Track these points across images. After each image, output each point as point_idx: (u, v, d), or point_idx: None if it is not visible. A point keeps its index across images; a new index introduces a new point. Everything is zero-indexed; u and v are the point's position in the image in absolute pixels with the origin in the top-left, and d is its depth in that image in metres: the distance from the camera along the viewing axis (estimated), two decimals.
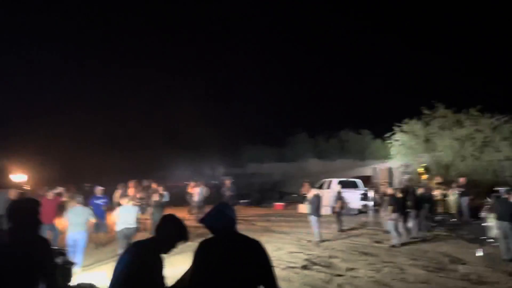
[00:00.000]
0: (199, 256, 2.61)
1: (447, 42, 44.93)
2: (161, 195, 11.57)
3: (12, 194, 9.02)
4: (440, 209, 13.53)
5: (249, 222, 15.03)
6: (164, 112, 38.98)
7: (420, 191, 12.04)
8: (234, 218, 2.85)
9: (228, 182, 15.83)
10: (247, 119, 42.88)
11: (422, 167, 16.20)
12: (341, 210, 12.92)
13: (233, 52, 54.99)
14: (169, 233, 2.91)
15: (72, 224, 7.86)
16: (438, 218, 13.12)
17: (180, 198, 22.28)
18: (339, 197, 13.00)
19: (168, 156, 32.70)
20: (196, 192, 15.40)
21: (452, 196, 13.53)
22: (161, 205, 11.12)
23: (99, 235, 10.32)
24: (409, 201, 11.12)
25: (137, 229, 8.62)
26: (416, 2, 49.18)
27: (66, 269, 4.94)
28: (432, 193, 13.21)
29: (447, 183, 13.99)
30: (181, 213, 18.18)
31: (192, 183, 16.20)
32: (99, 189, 10.98)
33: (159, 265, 2.80)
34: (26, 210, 2.76)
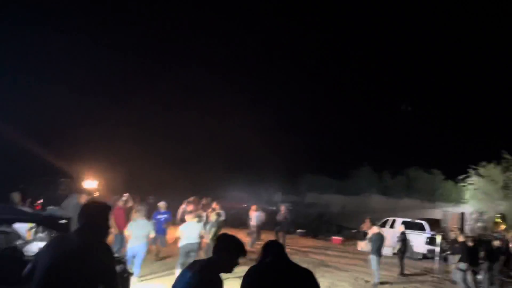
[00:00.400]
0: (248, 282, 2.59)
1: None
2: (219, 214, 11.70)
3: (83, 199, 9.58)
4: None
5: (304, 254, 14.69)
6: (228, 135, 39.93)
7: (495, 243, 11.07)
8: (283, 249, 2.84)
9: (283, 208, 15.74)
10: (310, 148, 42.49)
11: (499, 216, 14.92)
12: (404, 252, 12.23)
13: (300, 81, 55.59)
14: (228, 251, 2.90)
15: (134, 236, 8.05)
16: None
17: (236, 219, 22.54)
18: (403, 238, 12.33)
19: (228, 177, 33.30)
20: (254, 215, 15.44)
21: None
22: (218, 224, 11.23)
23: (158, 247, 10.60)
24: (482, 252, 10.25)
25: (199, 245, 8.74)
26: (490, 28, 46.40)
27: (124, 278, 5.14)
28: (509, 246, 12.09)
29: None
30: (237, 234, 18.36)
31: (253, 206, 16.17)
32: (162, 204, 11.32)
33: (219, 286, 2.78)
34: (98, 214, 2.81)
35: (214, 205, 14.33)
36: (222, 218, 14.01)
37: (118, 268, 5.15)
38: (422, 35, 52.27)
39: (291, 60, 56.10)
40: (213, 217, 10.15)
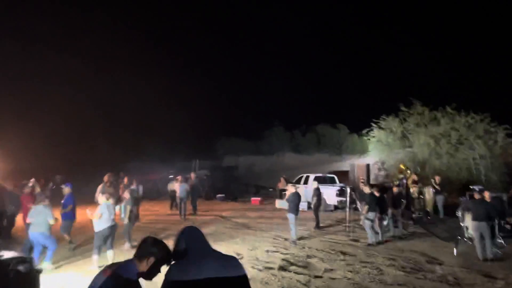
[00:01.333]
0: (173, 283, 2.40)
1: (427, 39, 45.65)
2: (132, 190, 11.13)
3: None
4: (416, 207, 13.72)
5: (224, 218, 14.86)
6: (138, 102, 38.15)
7: (396, 189, 12.14)
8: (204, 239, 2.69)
9: (192, 176, 15.80)
10: (223, 112, 42.49)
11: (403, 164, 16.39)
12: (318, 207, 12.92)
13: (213, 43, 54.45)
14: (153, 257, 2.62)
15: (35, 223, 7.77)
16: (414, 215, 13.31)
17: (153, 192, 21.95)
18: (317, 194, 12.98)
19: (141, 149, 32.11)
20: (178, 187, 15.11)
21: (428, 194, 13.73)
22: (133, 201, 10.72)
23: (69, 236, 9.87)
24: (387, 199, 11.20)
25: (115, 228, 8.28)
26: None
27: (31, 277, 4.64)
28: (408, 191, 13.39)
29: (422, 181, 14.20)
30: (156, 206, 17.79)
31: (178, 177, 15.86)
32: (66, 189, 10.35)
33: None
34: None
35: (125, 180, 13.73)
36: (139, 193, 13.51)
37: (22, 268, 4.65)
38: None
39: (205, 21, 54.48)
40: (126, 194, 9.66)
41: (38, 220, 7.76)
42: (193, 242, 2.58)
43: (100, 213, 7.80)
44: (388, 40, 48.51)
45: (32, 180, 11.03)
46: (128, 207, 9.40)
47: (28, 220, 7.94)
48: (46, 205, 7.99)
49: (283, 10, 55.48)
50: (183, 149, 33.74)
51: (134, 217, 10.28)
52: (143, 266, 2.59)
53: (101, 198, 8.08)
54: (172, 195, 16.92)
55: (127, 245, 9.48)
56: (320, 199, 13.06)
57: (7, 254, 4.85)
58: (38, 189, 10.71)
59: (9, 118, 24.96)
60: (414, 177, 14.29)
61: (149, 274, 2.60)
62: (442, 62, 40.83)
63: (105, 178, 11.90)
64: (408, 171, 14.92)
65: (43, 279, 4.92)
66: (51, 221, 7.88)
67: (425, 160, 17.53)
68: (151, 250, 2.62)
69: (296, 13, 54.64)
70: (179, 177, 15.84)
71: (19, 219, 10.90)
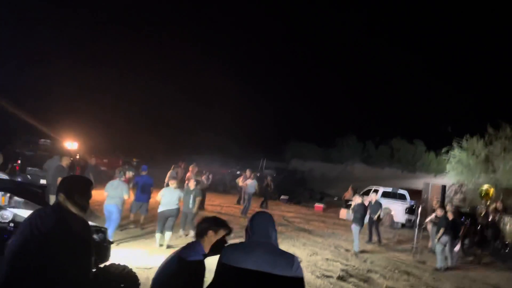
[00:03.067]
0: (222, 265, 2.37)
1: None
2: (198, 182, 11.36)
3: (65, 161, 9.34)
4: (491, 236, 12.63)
5: (287, 221, 14.82)
6: (214, 99, 39.45)
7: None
8: (271, 225, 2.62)
9: (268, 177, 15.81)
10: (295, 114, 42.39)
11: (488, 189, 15.10)
12: (378, 221, 12.37)
13: (291, 46, 54.66)
14: (210, 229, 2.75)
15: (109, 196, 8.26)
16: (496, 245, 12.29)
17: (220, 185, 22.49)
18: (379, 207, 12.45)
19: (213, 142, 33.10)
20: (249, 183, 15.03)
21: (510, 224, 12.55)
22: (198, 192, 10.96)
23: (138, 215, 10.41)
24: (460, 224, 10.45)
25: (178, 211, 8.69)
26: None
27: (103, 247, 4.99)
28: (489, 218, 12.40)
29: (506, 210, 13.02)
30: (222, 199, 18.21)
31: (248, 173, 15.75)
32: (144, 168, 11.02)
33: (199, 272, 2.62)
34: (77, 189, 2.62)
35: (191, 168, 14.02)
36: (205, 184, 13.85)
37: (97, 237, 5.02)
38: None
39: (274, 26, 55.04)
40: (192, 184, 9.92)
41: (114, 193, 8.23)
42: (257, 227, 2.53)
43: (161, 196, 8.40)
44: (479, 53, 45.20)
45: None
46: (199, 198, 9.65)
47: (105, 193, 8.41)
48: (122, 180, 8.52)
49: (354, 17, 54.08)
50: (252, 148, 34.26)
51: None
52: (206, 243, 2.71)
53: (170, 182, 8.68)
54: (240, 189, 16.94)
55: (192, 233, 9.68)
56: (382, 214, 12.52)
57: None
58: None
59: (97, 107, 27.10)
60: (499, 204, 13.15)
61: (215, 249, 2.68)
62: None
63: (180, 164, 12.37)
64: (490, 197, 13.74)
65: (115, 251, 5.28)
66: (126, 196, 8.38)
67: (510, 188, 16.06)
68: (205, 225, 2.78)
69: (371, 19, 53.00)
70: (249, 173, 15.75)
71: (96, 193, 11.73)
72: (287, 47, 56.18)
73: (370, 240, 11.94)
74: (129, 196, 8.59)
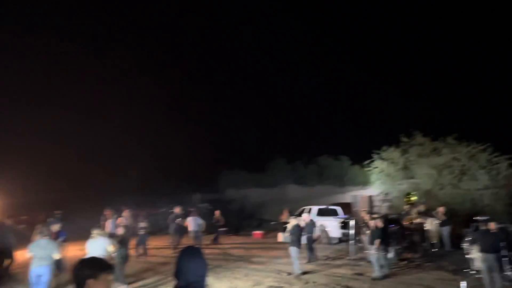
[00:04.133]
0: None
1: (427, 70, 46.20)
2: (125, 226, 10.71)
3: None
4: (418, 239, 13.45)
5: (227, 252, 14.55)
6: (135, 134, 38.37)
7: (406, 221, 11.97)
8: (204, 264, 2.40)
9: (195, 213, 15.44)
10: (225, 144, 42.54)
11: (412, 195, 16.18)
12: (313, 240, 12.67)
13: (213, 78, 55.34)
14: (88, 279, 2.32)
15: (36, 257, 7.47)
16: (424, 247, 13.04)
17: (154, 226, 21.55)
18: (313, 226, 12.76)
19: (142, 182, 31.97)
20: (191, 220, 14.95)
21: (432, 225, 13.46)
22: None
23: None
24: (392, 230, 10.99)
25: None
26: (395, 31, 50.65)
27: None
28: (419, 222, 13.22)
29: (427, 212, 13.96)
30: (158, 242, 17.37)
31: (192, 211, 15.68)
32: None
33: None
34: None
35: (125, 213, 13.47)
36: (145, 229, 13.22)
37: None
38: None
39: (199, 55, 55.61)
40: (120, 230, 9.40)
41: (42, 254, 7.48)
42: (186, 268, 2.35)
43: (88, 248, 7.90)
44: (389, 71, 49.21)
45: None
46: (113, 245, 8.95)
47: (29, 254, 7.60)
48: (49, 238, 7.82)
49: (283, 43, 56.65)
50: (184, 183, 33.58)
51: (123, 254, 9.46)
52: None
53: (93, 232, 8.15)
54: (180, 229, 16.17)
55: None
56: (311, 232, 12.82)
57: None
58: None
59: (8, 154, 25.03)
60: (422, 207, 14.08)
61: None
62: (443, 92, 41.20)
63: (107, 212, 11.72)
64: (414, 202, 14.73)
65: None
66: (56, 256, 7.67)
67: (429, 191, 17.32)
68: (81, 273, 2.34)
69: (297, 41, 55.72)
70: (193, 211, 15.77)
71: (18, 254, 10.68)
72: (209, 77, 56.74)
73: (309, 260, 12.09)
74: (59, 255, 7.87)
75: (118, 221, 12.85)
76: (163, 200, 26.55)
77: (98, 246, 8.04)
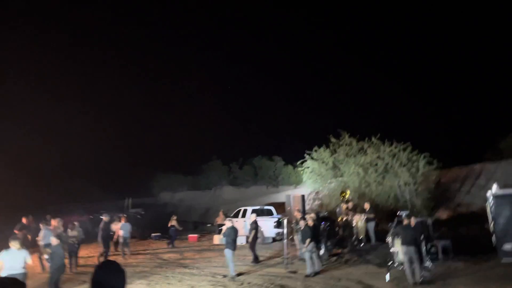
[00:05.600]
0: None
1: (354, 72, 48.53)
2: (61, 235, 10.14)
3: None
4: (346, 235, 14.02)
5: (160, 258, 14.11)
6: (64, 137, 36.19)
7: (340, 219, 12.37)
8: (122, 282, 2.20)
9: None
10: (159, 147, 41.45)
11: (344, 192, 16.78)
12: (255, 240, 12.68)
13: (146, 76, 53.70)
14: None
15: (6, 268, 7.17)
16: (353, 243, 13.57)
17: (86, 234, 20.36)
18: (254, 227, 12.75)
19: (68, 187, 30.16)
20: (121, 226, 14.69)
21: (360, 221, 14.07)
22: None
23: None
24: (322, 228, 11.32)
25: (25, 277, 7.48)
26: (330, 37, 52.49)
27: None
28: (347, 219, 13.73)
29: (354, 209, 14.58)
30: (88, 250, 16.36)
31: (123, 218, 15.52)
32: None
33: None
34: None
35: (54, 222, 12.64)
36: (76, 237, 12.42)
37: None
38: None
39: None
40: (54, 240, 8.72)
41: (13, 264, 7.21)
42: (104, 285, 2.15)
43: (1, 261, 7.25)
44: (320, 73, 51.00)
45: None
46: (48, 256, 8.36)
47: None
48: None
49: (215, 44, 56.51)
50: (115, 188, 32.17)
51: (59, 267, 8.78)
52: None
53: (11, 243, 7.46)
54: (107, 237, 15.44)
55: None
56: (256, 233, 12.83)
57: None
58: None
59: None
60: (350, 205, 14.66)
61: None
62: (368, 95, 43.56)
63: (23, 220, 10.86)
64: (348, 199, 15.36)
65: None
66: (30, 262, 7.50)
67: (356, 189, 18.12)
68: None
69: (230, 45, 55.93)
70: (123, 217, 15.59)
71: None
72: (143, 75, 55.05)
73: (257, 259, 12.14)
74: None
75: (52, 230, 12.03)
76: (92, 207, 25.27)
77: (16, 258, 7.35)
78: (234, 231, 10.67)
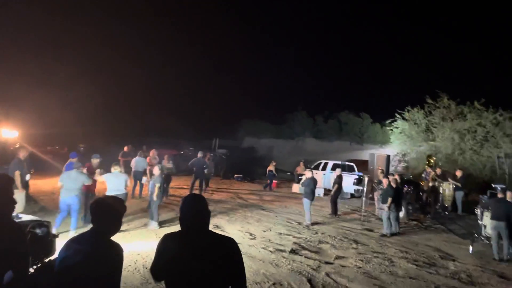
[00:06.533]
0: (162, 251, 2.36)
1: (460, 29, 43.96)
2: (162, 167, 10.77)
3: (21, 154, 8.64)
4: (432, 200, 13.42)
5: (240, 198, 14.90)
6: (163, 77, 38.42)
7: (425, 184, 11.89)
8: (205, 212, 2.49)
9: (199, 154, 15.32)
10: (248, 93, 42.34)
11: (431, 156, 15.95)
12: (338, 195, 12.72)
13: (236, 27, 53.96)
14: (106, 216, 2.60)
15: (66, 188, 7.90)
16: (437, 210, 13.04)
17: (177, 167, 22.08)
18: (338, 181, 12.74)
19: (162, 124, 32.39)
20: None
21: (448, 189, 13.37)
22: (163, 179, 10.45)
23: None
24: (405, 191, 10.97)
25: (126, 196, 8.48)
26: None
27: (47, 241, 4.74)
28: (434, 185, 13.15)
29: (443, 176, 13.82)
30: (184, 182, 17.78)
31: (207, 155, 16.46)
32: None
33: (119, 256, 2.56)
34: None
35: (151, 153, 13.81)
36: (171, 169, 13.45)
37: (40, 231, 4.75)
38: None
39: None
40: (156, 170, 9.56)
41: (72, 185, 7.90)
42: (189, 215, 2.44)
43: (106, 180, 8.22)
44: (419, 28, 47.00)
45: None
46: (157, 185, 9.17)
47: (59, 184, 7.98)
48: (77, 171, 8.16)
49: None
50: (205, 128, 33.88)
51: (161, 194, 9.62)
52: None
53: (112, 167, 8.36)
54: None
55: (153, 225, 9.03)
56: (340, 188, 12.82)
57: (25, 217, 4.96)
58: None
59: (32, 85, 25.42)
60: (438, 171, 13.91)
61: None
62: (474, 54, 39.36)
63: (125, 148, 11.95)
64: (433, 164, 14.55)
65: (60, 244, 5.02)
66: (87, 182, 8.22)
67: (448, 155, 17.06)
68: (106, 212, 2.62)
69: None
70: (208, 155, 16.52)
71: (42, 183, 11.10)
72: (235, 25, 55.43)
73: (335, 213, 12.31)
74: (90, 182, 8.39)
75: (148, 160, 13.21)
76: (182, 143, 26.99)
77: (118, 180, 8.31)
78: (313, 181, 10.80)
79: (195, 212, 2.41)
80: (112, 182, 8.25)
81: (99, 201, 2.61)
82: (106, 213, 2.53)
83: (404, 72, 43.22)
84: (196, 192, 14.36)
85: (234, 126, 36.62)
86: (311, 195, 10.61)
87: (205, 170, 14.98)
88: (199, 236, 2.35)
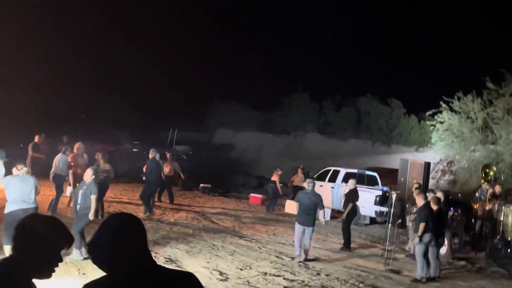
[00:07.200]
0: None
1: None
2: (96, 170, 10.74)
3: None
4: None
5: (209, 219, 14.87)
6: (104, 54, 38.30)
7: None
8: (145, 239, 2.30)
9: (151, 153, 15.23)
10: (222, 63, 42.19)
11: (488, 166, 15.97)
12: (352, 218, 12.83)
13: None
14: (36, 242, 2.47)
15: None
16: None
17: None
18: (353, 198, 12.85)
19: (97, 104, 32.13)
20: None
21: (511, 214, 13.51)
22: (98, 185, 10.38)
23: None
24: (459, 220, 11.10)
25: (37, 209, 8.32)
26: None
27: None
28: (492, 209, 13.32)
29: (506, 196, 14.00)
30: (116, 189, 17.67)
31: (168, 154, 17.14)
32: None
33: None
34: None
35: (76, 147, 13.63)
36: (108, 173, 13.30)
37: None
38: None
39: None
40: (88, 174, 9.43)
41: None
42: (123, 247, 2.22)
43: (5, 188, 7.99)
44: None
45: None
46: (93, 196, 8.97)
47: None
48: None
49: None
50: (158, 114, 33.77)
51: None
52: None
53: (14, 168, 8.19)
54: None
55: (75, 254, 8.83)
56: (356, 208, 12.94)
57: None
58: None
59: None
60: (497, 188, 14.04)
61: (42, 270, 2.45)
62: None
63: (36, 139, 11.84)
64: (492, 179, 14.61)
65: None
66: None
67: None
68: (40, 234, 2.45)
69: None
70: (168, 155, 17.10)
71: None
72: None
73: (347, 245, 12.40)
74: None
75: (70, 159, 13.03)
76: (123, 134, 26.79)
77: (24, 187, 8.09)
78: (314, 197, 10.87)
79: (132, 242, 2.21)
80: (17, 190, 8.03)
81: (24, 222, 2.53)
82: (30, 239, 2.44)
83: (453, 41, 43.59)
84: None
85: (202, 111, 36.43)
86: (307, 217, 10.68)
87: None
88: (141, 279, 2.17)
